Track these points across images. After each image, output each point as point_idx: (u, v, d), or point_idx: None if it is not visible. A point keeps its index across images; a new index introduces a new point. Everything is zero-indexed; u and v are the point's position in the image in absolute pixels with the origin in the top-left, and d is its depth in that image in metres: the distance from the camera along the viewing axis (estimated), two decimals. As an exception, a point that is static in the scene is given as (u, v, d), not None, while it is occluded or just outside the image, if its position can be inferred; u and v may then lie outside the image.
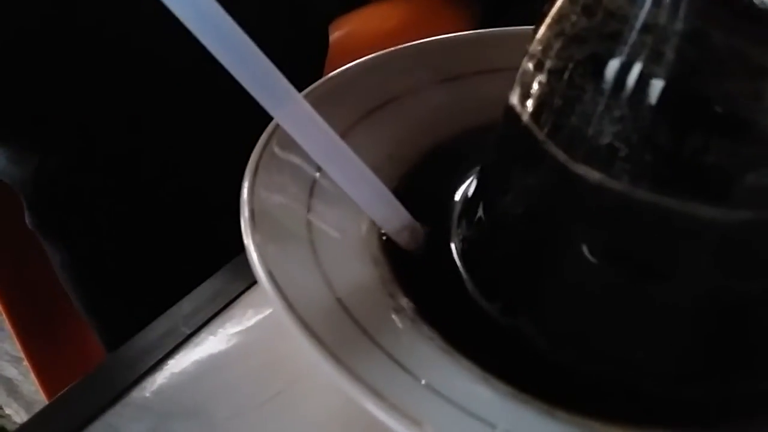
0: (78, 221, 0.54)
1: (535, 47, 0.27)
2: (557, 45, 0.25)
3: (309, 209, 0.29)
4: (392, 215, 0.28)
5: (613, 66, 0.23)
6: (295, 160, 0.29)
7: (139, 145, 0.52)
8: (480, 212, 0.30)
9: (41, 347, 0.65)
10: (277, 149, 0.29)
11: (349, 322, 0.24)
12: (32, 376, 0.67)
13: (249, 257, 0.25)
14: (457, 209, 0.32)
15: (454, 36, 0.39)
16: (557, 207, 0.26)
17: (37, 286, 0.62)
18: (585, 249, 0.25)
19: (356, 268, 0.28)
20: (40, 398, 0.75)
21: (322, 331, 0.23)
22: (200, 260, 0.38)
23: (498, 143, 0.30)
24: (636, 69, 0.23)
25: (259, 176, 0.28)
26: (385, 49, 0.37)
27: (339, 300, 0.25)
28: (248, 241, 0.26)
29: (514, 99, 0.28)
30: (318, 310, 0.24)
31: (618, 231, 0.25)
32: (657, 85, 0.23)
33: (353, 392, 0.21)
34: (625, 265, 0.25)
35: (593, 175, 0.24)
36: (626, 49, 0.23)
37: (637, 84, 0.23)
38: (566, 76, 0.25)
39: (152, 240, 0.55)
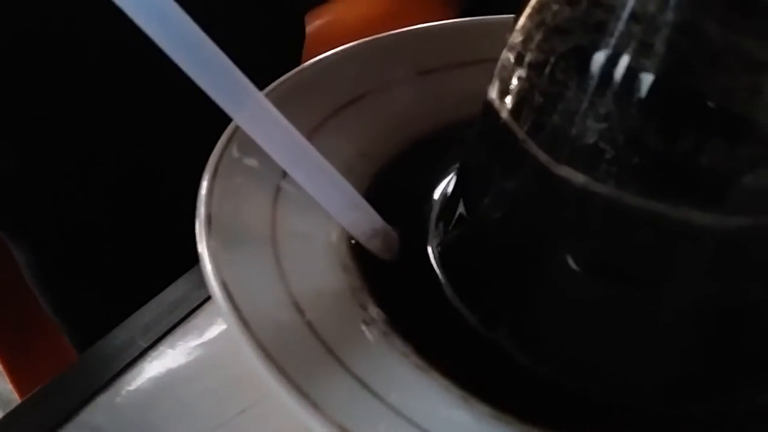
0: (40, 222, 0.53)
1: (515, 39, 0.25)
2: (538, 36, 0.24)
3: (272, 215, 0.27)
4: (362, 220, 0.27)
5: (598, 59, 0.22)
6: (259, 162, 0.28)
7: (107, 144, 0.51)
8: (458, 214, 0.28)
9: (13, 346, 0.64)
10: (237, 152, 0.28)
11: (312, 339, 0.23)
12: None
13: (202, 266, 0.23)
14: (435, 211, 0.30)
15: (433, 25, 0.38)
16: (539, 211, 0.25)
17: (6, 284, 0.60)
18: (569, 256, 0.24)
19: (323, 277, 0.26)
20: (15, 398, 0.73)
21: (279, 351, 0.21)
22: (172, 261, 0.37)
23: (476, 141, 0.28)
24: (623, 63, 0.22)
25: (218, 179, 0.26)
26: (367, 38, 0.35)
27: (302, 313, 0.24)
28: (202, 247, 0.24)
29: (493, 94, 0.26)
30: (277, 326, 0.22)
31: (604, 237, 0.24)
32: (646, 80, 0.21)
33: (312, 423, 0.19)
34: (612, 273, 0.24)
35: (577, 177, 0.23)
36: (613, 41, 0.22)
37: (625, 79, 0.22)
38: (548, 70, 0.24)
39: (120, 240, 0.54)
